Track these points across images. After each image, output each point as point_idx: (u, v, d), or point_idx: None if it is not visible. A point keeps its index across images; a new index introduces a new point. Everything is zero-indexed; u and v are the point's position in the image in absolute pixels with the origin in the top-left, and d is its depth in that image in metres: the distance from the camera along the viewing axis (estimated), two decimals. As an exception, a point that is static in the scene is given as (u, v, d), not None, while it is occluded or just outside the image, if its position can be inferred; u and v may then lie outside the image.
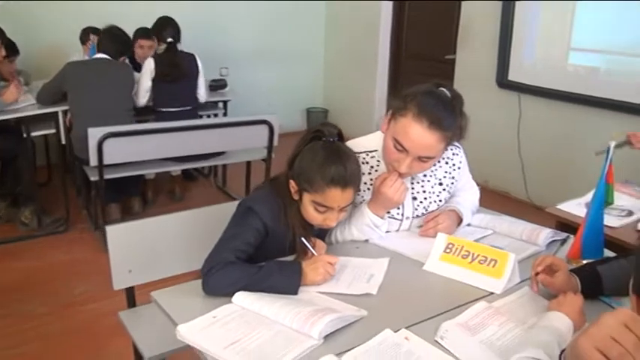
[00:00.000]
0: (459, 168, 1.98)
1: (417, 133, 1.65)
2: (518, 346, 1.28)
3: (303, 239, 1.65)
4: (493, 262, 1.63)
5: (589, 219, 1.67)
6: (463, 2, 4.90)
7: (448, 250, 1.71)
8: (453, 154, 1.97)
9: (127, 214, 3.93)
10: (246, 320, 1.38)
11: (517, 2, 4.41)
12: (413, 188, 1.92)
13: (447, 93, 1.72)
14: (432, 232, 1.85)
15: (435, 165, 1.90)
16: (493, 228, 1.99)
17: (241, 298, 1.46)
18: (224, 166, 4.65)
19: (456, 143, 1.94)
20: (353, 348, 1.29)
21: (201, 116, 4.37)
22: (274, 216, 1.63)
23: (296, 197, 1.65)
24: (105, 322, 2.76)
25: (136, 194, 4.09)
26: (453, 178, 1.98)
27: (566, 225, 2.18)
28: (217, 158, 4.03)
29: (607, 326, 0.87)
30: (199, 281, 1.54)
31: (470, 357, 1.28)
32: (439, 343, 1.33)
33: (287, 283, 1.52)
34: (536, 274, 1.54)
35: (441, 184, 1.95)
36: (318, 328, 1.31)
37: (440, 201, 1.96)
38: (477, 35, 4.85)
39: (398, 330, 1.36)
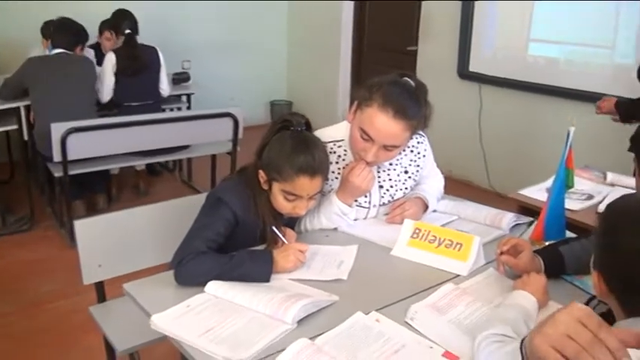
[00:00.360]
0: (423, 156, 2.03)
1: (383, 122, 1.68)
2: (486, 323, 1.33)
3: (273, 228, 1.67)
4: (459, 246, 1.68)
5: (550, 202, 1.73)
6: (423, 2, 5.00)
7: (415, 236, 1.76)
8: (418, 142, 2.02)
9: (92, 211, 3.87)
10: (219, 308, 1.40)
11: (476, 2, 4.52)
12: (379, 177, 1.96)
13: (411, 82, 1.77)
14: (398, 219, 1.89)
15: (400, 153, 1.94)
16: (458, 214, 2.04)
17: (214, 287, 1.47)
18: (189, 160, 4.62)
19: (421, 132, 1.99)
20: (325, 332, 1.32)
21: (164, 110, 4.33)
22: (244, 206, 1.65)
23: (265, 187, 1.67)
24: (74, 319, 2.73)
25: (101, 190, 4.04)
26: (418, 166, 2.02)
27: (528, 209, 2.25)
28: (182, 152, 4.01)
29: (561, 323, 0.87)
30: (171, 272, 1.55)
31: (439, 336, 1.32)
32: (409, 324, 1.37)
33: (259, 270, 1.54)
34: (501, 253, 1.60)
35: (406, 172, 2.00)
36: (292, 313, 1.33)
37: (406, 189, 2.01)
38: (438, 27, 4.93)
39: (369, 313, 1.40)
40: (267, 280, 1.53)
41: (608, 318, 1.26)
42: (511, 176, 4.55)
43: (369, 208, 1.96)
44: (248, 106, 4.39)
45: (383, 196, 1.97)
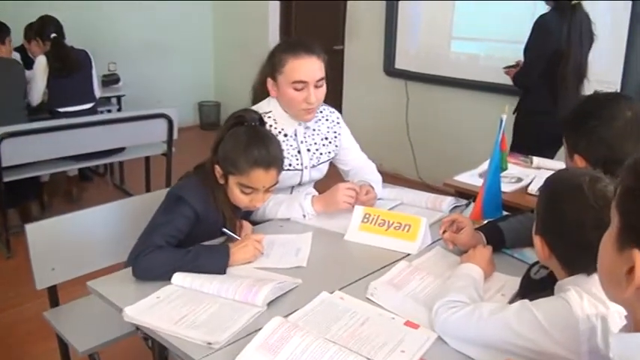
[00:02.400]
0: (337, 124, 2.21)
1: (305, 62, 1.96)
2: (440, 293, 1.45)
3: (225, 230, 1.73)
4: (407, 227, 1.80)
5: (487, 183, 1.88)
6: (349, 2, 5.15)
7: (366, 220, 1.87)
8: (330, 112, 2.22)
9: (27, 220, 3.74)
10: (190, 297, 1.45)
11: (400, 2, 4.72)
12: (305, 141, 2.11)
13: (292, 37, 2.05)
14: (365, 199, 2.00)
15: (316, 122, 2.14)
16: (400, 199, 2.17)
17: (180, 278, 1.51)
18: (120, 163, 4.54)
19: (330, 107, 2.23)
20: (296, 310, 1.40)
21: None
22: (204, 202, 1.70)
23: (222, 181, 1.72)
24: (20, 329, 2.64)
25: (34, 198, 3.91)
26: (335, 132, 2.19)
27: (462, 194, 2.41)
28: (117, 155, 3.95)
29: None
30: (130, 270, 1.57)
31: (398, 308, 1.43)
32: (370, 300, 1.47)
33: (215, 263, 1.58)
34: (444, 232, 1.73)
35: (326, 138, 2.17)
36: (262, 295, 1.40)
37: (329, 152, 2.18)
38: (363, 26, 5.09)
39: (333, 292, 1.49)
40: (223, 272, 1.57)
41: (548, 282, 1.42)
42: (438, 167, 4.77)
43: (301, 170, 2.10)
44: (174, 108, 4.35)
45: (311, 159, 2.12)
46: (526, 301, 1.25)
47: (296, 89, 1.96)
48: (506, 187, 2.40)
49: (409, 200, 2.16)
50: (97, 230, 2.01)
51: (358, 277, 1.59)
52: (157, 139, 3.90)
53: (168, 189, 2.09)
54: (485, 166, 2.61)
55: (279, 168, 1.74)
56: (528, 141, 3.16)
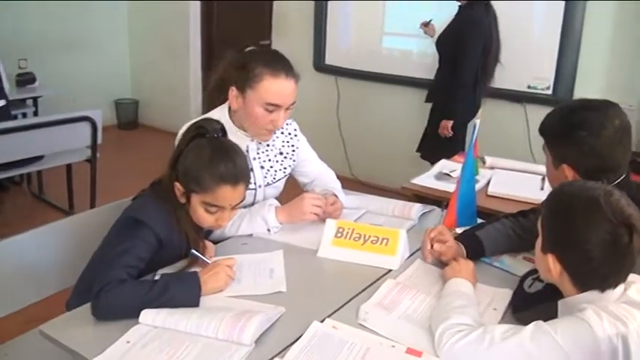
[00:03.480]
0: (295, 136, 2.07)
1: (283, 85, 1.77)
2: (436, 315, 1.37)
3: (194, 251, 1.56)
4: (385, 241, 1.71)
5: (461, 190, 1.82)
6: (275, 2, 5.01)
7: (339, 235, 1.75)
8: (287, 123, 2.06)
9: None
10: (166, 339, 1.28)
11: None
12: (259, 157, 1.96)
13: (268, 48, 1.87)
14: (331, 210, 1.90)
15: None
16: (365, 207, 2.08)
17: (150, 315, 1.34)
18: (39, 171, 4.16)
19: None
20: (288, 347, 1.27)
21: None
22: (166, 224, 1.52)
23: (183, 200, 1.55)
24: None
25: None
26: (293, 145, 2.05)
27: (422, 198, 2.35)
28: (35, 164, 3.58)
29: None
30: (89, 306, 1.38)
31: (395, 333, 1.34)
32: (363, 326, 1.36)
33: (186, 295, 1.42)
34: (431, 245, 1.66)
35: (281, 153, 2.03)
36: (249, 332, 1.26)
37: (285, 168, 2.04)
38: (291, 24, 4.97)
39: (323, 320, 1.37)
40: (197, 304, 1.42)
41: (545, 296, 1.37)
42: (371, 164, 4.76)
43: (255, 189, 1.96)
44: (91, 107, 3.99)
45: (265, 177, 1.98)
46: (541, 322, 1.19)
47: (266, 110, 1.79)
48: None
49: (375, 208, 2.07)
50: (35, 256, 1.77)
51: (345, 300, 1.48)
52: (80, 145, 3.58)
53: (113, 204, 1.89)
54: (440, 168, 2.60)
55: (247, 183, 1.59)
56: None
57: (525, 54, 3.48)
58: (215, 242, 1.76)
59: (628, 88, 3.60)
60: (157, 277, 1.51)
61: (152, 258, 1.52)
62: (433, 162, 2.83)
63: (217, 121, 1.61)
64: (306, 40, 4.83)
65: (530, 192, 2.35)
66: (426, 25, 3.67)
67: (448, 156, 2.83)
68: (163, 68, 6.01)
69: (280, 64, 1.78)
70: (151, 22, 6.00)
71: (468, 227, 1.80)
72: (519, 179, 2.51)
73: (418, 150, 3.74)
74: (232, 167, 1.51)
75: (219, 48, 5.63)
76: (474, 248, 1.69)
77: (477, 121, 1.80)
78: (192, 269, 1.55)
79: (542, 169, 2.63)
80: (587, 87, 3.71)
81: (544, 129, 1.60)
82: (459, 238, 1.72)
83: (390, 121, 4.62)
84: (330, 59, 4.74)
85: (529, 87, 3.84)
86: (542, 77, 3.78)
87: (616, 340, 1.11)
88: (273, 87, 1.76)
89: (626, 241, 1.15)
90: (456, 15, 3.41)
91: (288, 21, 4.99)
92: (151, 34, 6.03)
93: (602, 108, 1.53)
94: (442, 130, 3.42)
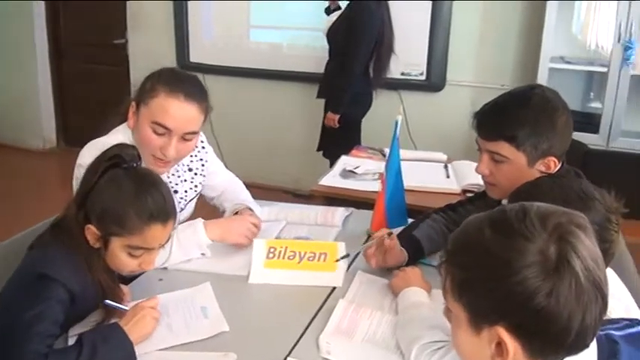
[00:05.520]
0: (203, 148, 1.87)
1: (177, 107, 1.54)
2: (404, 334, 1.28)
3: (108, 302, 1.32)
4: (323, 256, 1.58)
5: (389, 190, 1.73)
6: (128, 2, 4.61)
7: (271, 255, 1.59)
8: None
9: None
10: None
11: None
12: (170, 181, 1.74)
13: (182, 70, 1.70)
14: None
15: None
16: (285, 218, 1.93)
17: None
18: None
19: None
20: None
21: None
22: (79, 277, 1.26)
23: (97, 245, 1.29)
24: None
25: None
26: (202, 159, 1.86)
27: (332, 199, 2.24)
28: None
29: None
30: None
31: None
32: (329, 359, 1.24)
33: (119, 354, 1.20)
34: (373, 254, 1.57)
35: (190, 169, 1.83)
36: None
37: (195, 187, 1.84)
38: (149, 21, 4.60)
39: (285, 360, 1.21)
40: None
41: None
42: (248, 162, 4.56)
43: None
44: None
45: (179, 202, 1.76)
46: None
47: (155, 132, 1.55)
48: (371, 185, 2.30)
49: (296, 218, 1.93)
50: None
51: (299, 331, 1.33)
52: None
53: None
54: (343, 165, 2.51)
55: (176, 216, 1.37)
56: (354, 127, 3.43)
57: (397, 41, 3.49)
58: (125, 280, 1.51)
59: (498, 69, 3.79)
60: (70, 337, 1.27)
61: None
62: (334, 159, 2.74)
63: (132, 146, 1.37)
64: (167, 36, 4.51)
65: (438, 181, 2.35)
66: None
67: (346, 151, 2.75)
68: (6, 78, 5.30)
69: (183, 85, 1.56)
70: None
71: (399, 228, 1.72)
72: (423, 169, 2.50)
73: (319, 148, 3.63)
74: (161, 201, 1.29)
75: (70, 52, 5.11)
76: (415, 250, 1.63)
77: (399, 117, 1.72)
78: (111, 320, 1.31)
79: (439, 156, 2.69)
80: (460, 71, 3.86)
81: (510, 129, 1.41)
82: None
83: (264, 117, 4.46)
84: (195, 56, 4.47)
85: (403, 74, 3.89)
86: (415, 63, 3.85)
87: None
88: (166, 105, 1.53)
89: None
90: (348, 5, 3.32)
91: (145, 17, 4.62)
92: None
93: (541, 87, 1.48)
94: (328, 122, 3.33)
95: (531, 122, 1.40)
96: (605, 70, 3.21)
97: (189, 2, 4.32)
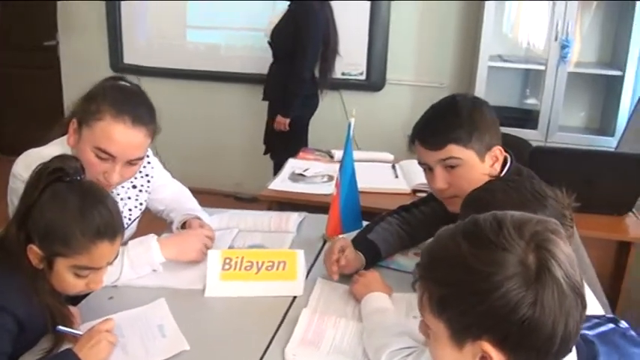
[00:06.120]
0: (148, 163, 1.79)
1: (123, 133, 1.43)
2: (371, 342, 1.27)
3: (60, 328, 1.23)
4: (282, 265, 1.54)
5: (343, 194, 1.72)
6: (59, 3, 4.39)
7: (227, 267, 1.53)
8: None
9: None
10: None
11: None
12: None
13: (131, 85, 1.58)
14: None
15: None
16: (236, 226, 1.87)
17: None
18: None
19: None
20: None
21: None
22: (24, 302, 1.17)
23: (41, 266, 1.20)
24: None
25: None
26: (147, 175, 1.78)
27: (283, 204, 2.21)
28: None
29: None
30: None
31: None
32: (296, 372, 1.20)
33: None
34: (337, 260, 1.54)
35: (134, 186, 1.74)
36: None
37: (140, 204, 1.76)
38: (80, 18, 4.40)
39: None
40: None
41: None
42: (188, 166, 4.45)
43: None
44: None
45: (127, 223, 1.68)
46: None
47: (98, 156, 1.44)
48: (324, 188, 2.28)
49: (248, 225, 1.88)
50: None
51: (264, 346, 1.29)
52: None
53: None
54: (291, 169, 2.47)
55: (124, 232, 1.29)
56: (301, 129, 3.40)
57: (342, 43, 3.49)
58: (73, 300, 1.42)
59: (436, 68, 3.85)
60: None
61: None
62: (280, 161, 2.69)
63: (75, 158, 1.28)
64: (100, 38, 4.33)
65: (387, 182, 2.36)
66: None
67: (293, 154, 2.72)
68: None
69: (130, 108, 1.44)
70: None
71: (354, 232, 1.71)
72: (371, 170, 2.49)
73: (266, 151, 3.57)
74: (109, 216, 1.22)
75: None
76: (372, 253, 1.62)
77: (352, 119, 1.71)
78: (63, 346, 1.23)
79: (386, 156, 2.69)
80: (399, 70, 3.89)
81: (453, 132, 1.43)
82: (354, 245, 1.61)
83: (202, 119, 4.36)
84: (129, 58, 4.30)
85: (343, 74, 3.88)
86: (355, 63, 3.86)
87: None
88: (111, 131, 1.42)
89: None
90: (290, 7, 3.26)
91: (76, 18, 4.41)
92: None
93: (459, 94, 1.55)
94: (277, 125, 3.28)
95: (467, 121, 1.44)
96: (542, 67, 3.32)
97: (122, 2, 4.16)
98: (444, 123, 1.45)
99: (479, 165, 1.44)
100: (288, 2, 3.28)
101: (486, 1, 3.30)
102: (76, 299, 1.43)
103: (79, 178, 1.23)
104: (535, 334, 0.76)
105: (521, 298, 0.75)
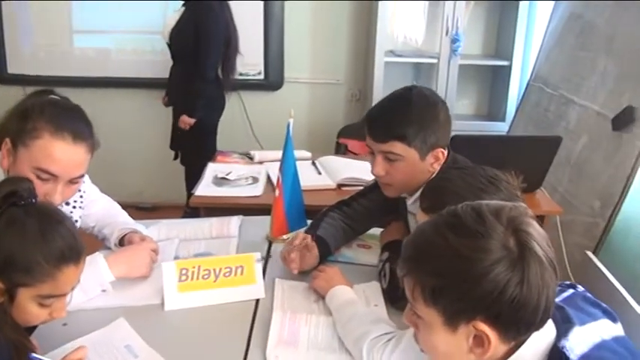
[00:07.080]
0: (80, 176, 1.72)
1: (64, 151, 1.37)
2: (349, 334, 1.32)
3: (34, 355, 1.16)
4: (240, 269, 1.55)
5: (287, 194, 1.75)
6: None
7: (184, 278, 1.51)
8: None
9: None
10: None
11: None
12: None
13: (62, 98, 1.52)
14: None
15: None
16: (177, 236, 1.85)
17: None
18: None
19: None
20: None
21: None
22: None
23: (1, 300, 1.12)
24: None
25: None
26: (80, 190, 1.70)
27: (210, 210, 2.18)
28: None
29: None
30: None
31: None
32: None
33: None
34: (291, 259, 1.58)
35: (67, 203, 1.66)
36: None
37: (75, 222, 1.68)
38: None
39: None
40: None
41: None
42: (105, 178, 4.23)
43: None
44: None
45: None
46: None
47: (38, 177, 1.37)
48: (250, 190, 2.30)
49: (189, 234, 1.86)
50: None
51: (243, 350, 1.31)
52: None
53: None
54: (213, 173, 2.45)
55: (85, 253, 1.24)
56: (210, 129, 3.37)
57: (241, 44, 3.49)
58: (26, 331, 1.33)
59: (332, 65, 3.97)
60: None
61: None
62: (191, 166, 2.64)
63: (26, 179, 1.21)
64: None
65: (312, 179, 2.41)
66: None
67: (205, 157, 2.69)
68: None
69: (70, 123, 1.38)
70: None
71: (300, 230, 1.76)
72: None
73: (175, 157, 3.47)
74: (71, 239, 1.16)
75: None
76: (324, 249, 1.67)
77: (291, 120, 1.75)
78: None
79: (304, 154, 2.74)
80: (296, 68, 3.96)
81: (400, 129, 1.48)
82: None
83: (110, 129, 4.09)
84: (13, 67, 3.98)
85: (241, 74, 3.86)
86: (252, 63, 3.88)
87: None
88: (52, 150, 1.36)
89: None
90: (187, 8, 3.19)
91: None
92: None
93: (416, 86, 1.58)
94: (182, 124, 3.21)
95: (417, 119, 1.49)
96: (435, 61, 3.54)
97: (2, 7, 3.85)
98: (393, 118, 1.50)
99: (418, 163, 1.51)
100: (182, 3, 3.23)
101: (380, 1, 3.45)
102: (28, 330, 1.36)
103: (33, 200, 1.16)
104: (523, 309, 0.84)
105: (510, 279, 0.83)
